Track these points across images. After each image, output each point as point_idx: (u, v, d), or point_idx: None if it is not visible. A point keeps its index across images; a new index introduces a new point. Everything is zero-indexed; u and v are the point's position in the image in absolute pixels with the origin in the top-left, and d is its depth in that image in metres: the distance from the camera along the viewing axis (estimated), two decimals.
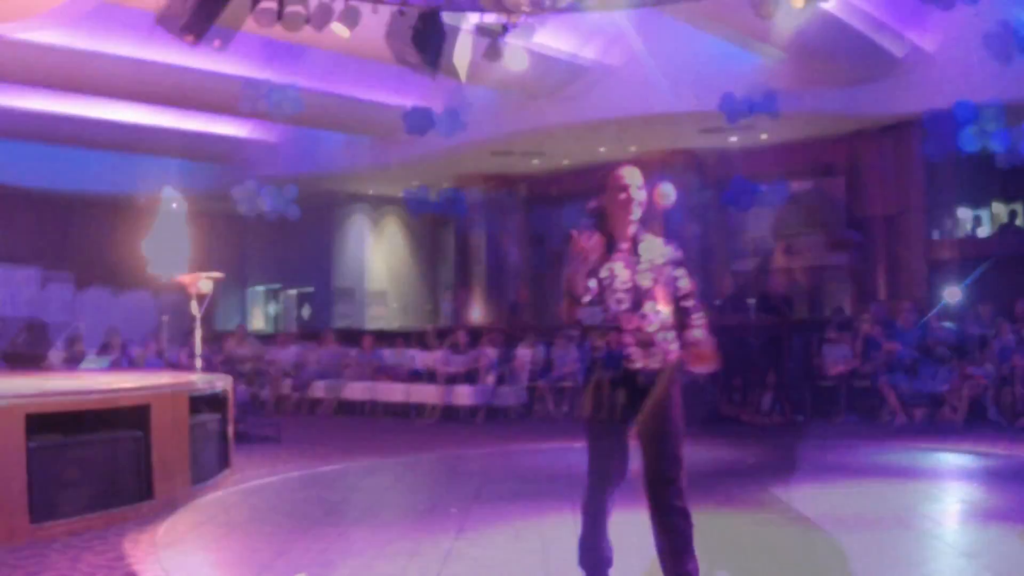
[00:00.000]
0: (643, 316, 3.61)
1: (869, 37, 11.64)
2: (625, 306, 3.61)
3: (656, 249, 3.71)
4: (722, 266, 16.14)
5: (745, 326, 11.93)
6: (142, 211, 20.61)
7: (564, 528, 5.19)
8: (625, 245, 3.68)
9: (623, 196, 3.65)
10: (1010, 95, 11.52)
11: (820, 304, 16.05)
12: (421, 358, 13.00)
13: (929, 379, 10.00)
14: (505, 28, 8.41)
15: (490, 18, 8.45)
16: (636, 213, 3.66)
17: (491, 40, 8.44)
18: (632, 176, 3.68)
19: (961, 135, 10.35)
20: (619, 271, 3.63)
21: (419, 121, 13.53)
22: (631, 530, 4.00)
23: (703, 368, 3.74)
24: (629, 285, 3.63)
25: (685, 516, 3.58)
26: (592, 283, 3.59)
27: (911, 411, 9.90)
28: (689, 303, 3.73)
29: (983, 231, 15.32)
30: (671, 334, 3.66)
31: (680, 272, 3.72)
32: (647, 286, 3.64)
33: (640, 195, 3.66)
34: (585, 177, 17.62)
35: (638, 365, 3.61)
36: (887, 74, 12.72)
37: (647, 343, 3.61)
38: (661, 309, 3.65)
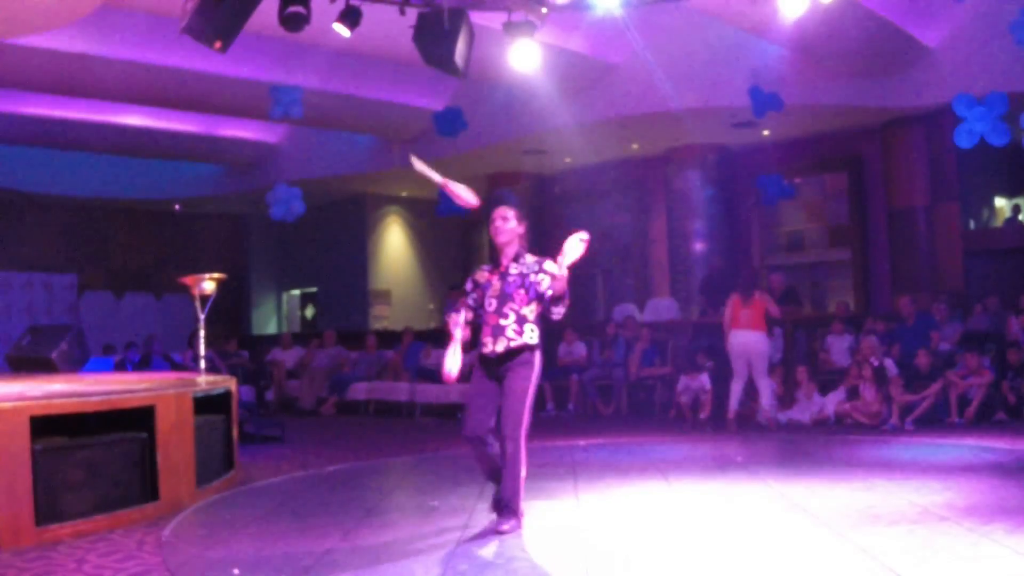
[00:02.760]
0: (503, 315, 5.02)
1: (899, 26, 11.58)
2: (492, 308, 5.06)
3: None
4: (759, 261, 16.15)
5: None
6: (177, 217, 20.80)
7: (568, 526, 5.20)
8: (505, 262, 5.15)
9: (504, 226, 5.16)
10: None
11: (823, 299, 16.08)
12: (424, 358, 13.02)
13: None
14: (534, 26, 8.36)
15: (516, 17, 8.40)
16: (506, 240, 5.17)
17: (520, 38, 8.38)
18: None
19: (991, 125, 10.27)
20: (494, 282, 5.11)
21: (449, 122, 13.51)
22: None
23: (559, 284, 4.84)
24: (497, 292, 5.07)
25: (515, 462, 4.93)
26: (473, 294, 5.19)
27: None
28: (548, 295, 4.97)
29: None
30: (528, 326, 5.02)
31: (541, 276, 5.01)
32: (509, 292, 5.05)
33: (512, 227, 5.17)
34: (591, 176, 17.64)
35: (488, 349, 5.03)
36: (918, 63, 12.64)
37: (499, 334, 5.01)
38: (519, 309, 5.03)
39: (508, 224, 5.13)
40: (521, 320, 4.99)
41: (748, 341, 9.64)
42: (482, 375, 5.09)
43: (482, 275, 5.21)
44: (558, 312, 4.96)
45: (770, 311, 9.85)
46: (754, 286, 10.10)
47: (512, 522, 4.99)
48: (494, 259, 5.25)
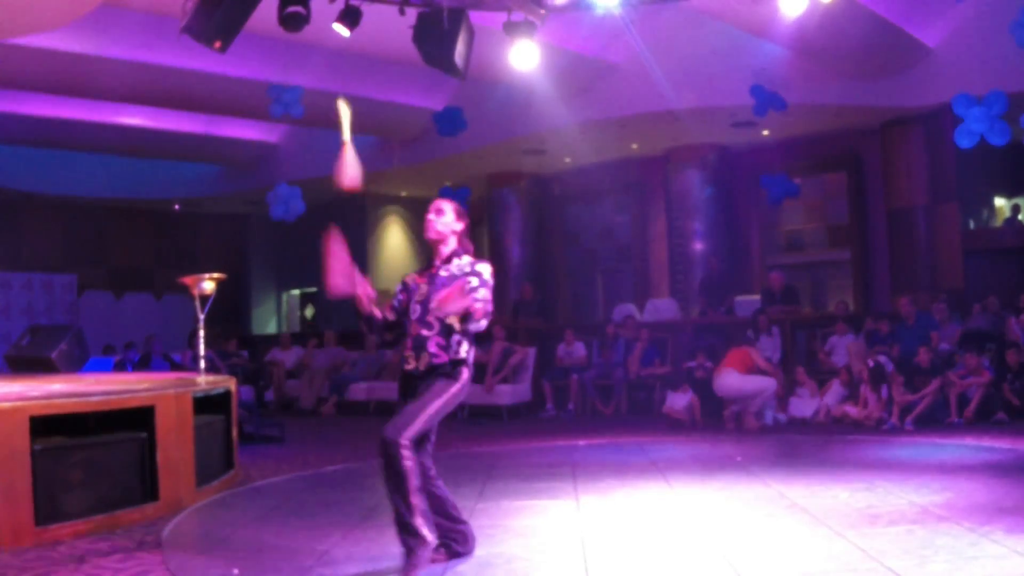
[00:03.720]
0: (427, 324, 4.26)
1: (899, 26, 11.58)
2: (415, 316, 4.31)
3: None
4: (759, 261, 16.15)
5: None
6: (177, 217, 20.79)
7: (568, 526, 5.19)
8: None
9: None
10: None
11: (823, 299, 16.09)
12: None
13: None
14: (534, 26, 8.38)
15: (516, 17, 8.42)
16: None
17: (520, 38, 8.40)
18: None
19: (990, 125, 10.30)
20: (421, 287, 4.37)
21: (449, 122, 13.50)
22: None
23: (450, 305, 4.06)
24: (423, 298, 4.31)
25: (396, 472, 4.16)
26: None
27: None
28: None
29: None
30: (455, 338, 4.24)
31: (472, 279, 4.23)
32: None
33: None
34: (591, 176, 17.63)
35: (411, 366, 4.29)
36: (918, 63, 12.63)
37: (420, 348, 4.27)
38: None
39: (443, 218, 4.40)
40: (446, 331, 4.25)
41: (722, 383, 10.13)
42: (403, 395, 4.39)
43: (412, 277, 4.50)
44: (476, 326, 4.23)
45: (755, 362, 10.18)
46: (739, 341, 10.79)
47: (420, 552, 4.12)
48: (429, 260, 4.55)
